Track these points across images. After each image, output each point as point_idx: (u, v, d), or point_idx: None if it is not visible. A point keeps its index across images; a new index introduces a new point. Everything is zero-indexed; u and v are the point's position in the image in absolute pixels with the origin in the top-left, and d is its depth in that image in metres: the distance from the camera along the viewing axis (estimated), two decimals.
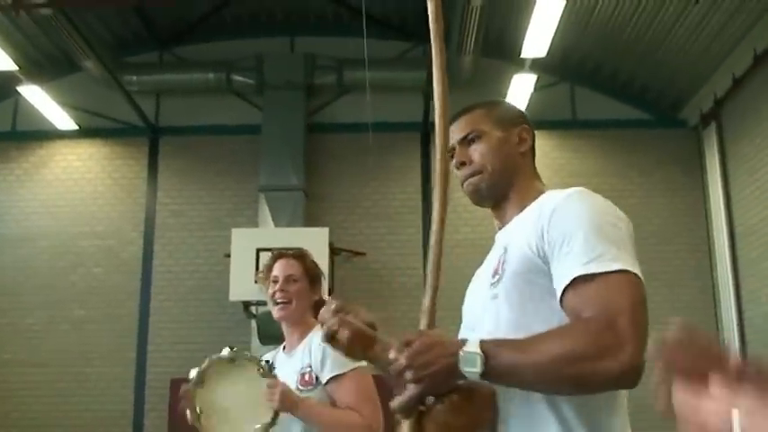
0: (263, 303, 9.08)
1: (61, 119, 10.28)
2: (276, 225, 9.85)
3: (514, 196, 1.90)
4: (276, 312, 3.02)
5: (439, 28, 1.84)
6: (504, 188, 1.91)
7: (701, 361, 0.90)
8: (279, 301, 3.01)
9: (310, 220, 10.09)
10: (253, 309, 9.52)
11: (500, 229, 1.93)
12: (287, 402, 2.70)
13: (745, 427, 0.84)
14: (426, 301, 1.73)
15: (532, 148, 2.00)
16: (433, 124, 1.91)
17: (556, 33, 8.12)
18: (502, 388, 1.66)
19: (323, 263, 3.28)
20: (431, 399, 1.63)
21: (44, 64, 10.60)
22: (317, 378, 2.87)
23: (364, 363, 2.90)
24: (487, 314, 1.79)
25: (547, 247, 1.67)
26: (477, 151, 1.92)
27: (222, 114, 10.77)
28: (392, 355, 1.60)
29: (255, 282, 8.96)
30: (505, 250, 1.80)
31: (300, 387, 2.88)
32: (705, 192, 10.33)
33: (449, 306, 2.32)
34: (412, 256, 10.25)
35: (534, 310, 1.68)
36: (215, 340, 10.04)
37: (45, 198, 10.69)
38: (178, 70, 10.81)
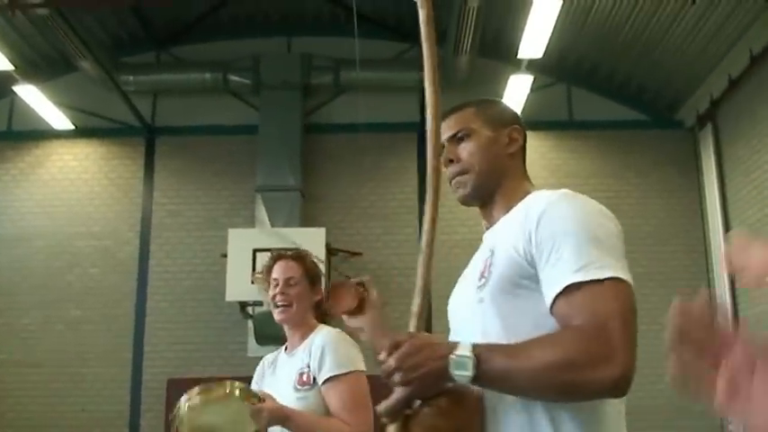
0: (260, 304, 9.10)
1: (57, 119, 10.27)
2: (273, 225, 9.84)
3: (501, 197, 1.89)
4: (277, 315, 3.02)
5: (430, 31, 1.83)
6: (491, 188, 1.90)
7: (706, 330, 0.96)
8: (279, 304, 3.00)
9: (307, 221, 10.09)
10: (249, 309, 9.51)
11: (487, 229, 1.91)
12: (277, 419, 2.71)
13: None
14: (416, 303, 1.73)
15: (523, 149, 1.98)
16: None
17: (552, 34, 8.13)
18: (496, 392, 1.65)
19: (319, 264, 3.26)
20: (417, 402, 1.61)
21: (40, 64, 10.59)
22: (314, 378, 2.87)
23: (362, 366, 2.91)
24: (474, 318, 1.77)
25: (535, 251, 1.65)
26: (465, 150, 1.91)
27: (219, 114, 10.76)
28: (381, 356, 1.59)
29: (252, 282, 8.98)
30: (492, 252, 1.77)
31: (298, 386, 2.88)
32: (701, 192, 10.35)
33: (447, 308, 2.31)
34: (409, 256, 10.24)
35: (521, 314, 1.66)
36: (212, 341, 10.07)
37: (41, 198, 10.67)
38: (175, 70, 10.81)
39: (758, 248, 0.95)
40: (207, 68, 10.58)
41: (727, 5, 8.51)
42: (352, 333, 2.34)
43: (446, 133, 1.95)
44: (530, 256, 1.65)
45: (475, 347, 1.54)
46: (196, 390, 2.65)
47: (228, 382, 2.68)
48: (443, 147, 1.94)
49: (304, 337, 3.01)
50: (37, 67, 10.49)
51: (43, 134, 10.65)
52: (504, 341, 1.62)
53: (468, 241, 9.87)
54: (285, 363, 3.03)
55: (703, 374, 1.00)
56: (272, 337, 8.93)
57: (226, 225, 10.01)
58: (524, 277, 1.66)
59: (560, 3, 7.54)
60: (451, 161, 1.92)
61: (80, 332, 10.24)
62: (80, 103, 10.61)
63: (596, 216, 1.69)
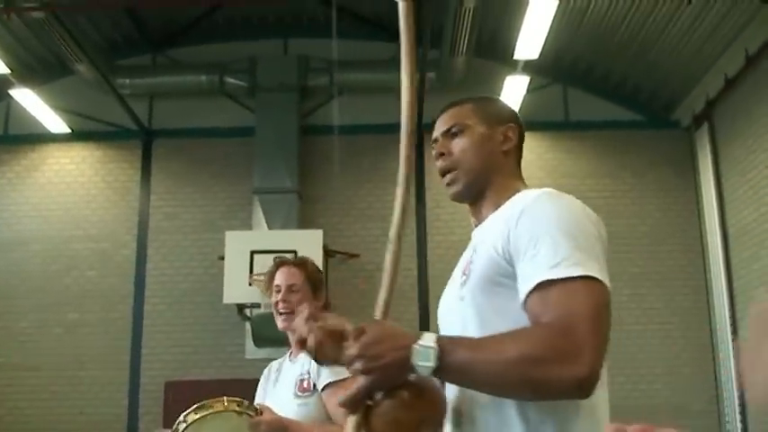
0: (257, 306, 9.10)
1: (53, 122, 10.26)
2: (270, 227, 9.84)
3: (491, 194, 1.87)
4: (280, 323, 3.04)
5: (410, 23, 1.83)
6: (482, 185, 1.88)
7: None
8: (281, 311, 3.02)
9: (304, 223, 10.09)
10: (247, 311, 9.50)
11: (476, 226, 1.90)
12: (275, 430, 2.71)
13: None
14: (382, 297, 1.70)
15: (519, 148, 1.96)
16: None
17: (548, 35, 8.14)
18: (469, 390, 1.63)
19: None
20: (379, 394, 1.58)
21: (36, 67, 10.58)
22: (314, 385, 2.88)
23: None
24: (455, 316, 1.76)
25: (513, 249, 1.63)
26: (458, 145, 1.90)
27: (215, 117, 10.76)
28: (345, 344, 1.56)
29: (250, 284, 8.98)
30: (474, 251, 1.77)
31: (299, 393, 2.89)
32: (698, 192, 10.36)
33: None
34: (406, 257, 10.25)
35: (500, 313, 1.64)
36: (209, 343, 10.06)
37: (38, 201, 10.66)
38: (171, 73, 10.80)
39: None
40: (203, 71, 10.58)
41: (723, 6, 8.52)
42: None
43: (441, 128, 1.95)
44: (508, 254, 1.64)
45: (439, 339, 1.51)
46: (194, 406, 2.65)
47: (225, 398, 2.68)
48: (436, 140, 1.94)
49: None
50: (33, 70, 10.48)
51: (39, 138, 10.64)
52: None
53: (466, 242, 9.89)
54: (288, 369, 3.04)
55: None
56: (269, 339, 8.94)
57: (223, 227, 10.00)
58: (503, 275, 1.65)
59: (556, 4, 7.56)
60: (442, 155, 1.91)
61: (78, 335, 10.23)
62: (76, 107, 10.61)
63: (576, 216, 1.66)
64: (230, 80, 10.59)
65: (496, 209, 1.81)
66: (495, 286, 1.66)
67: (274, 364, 3.19)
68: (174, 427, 2.63)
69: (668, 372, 9.98)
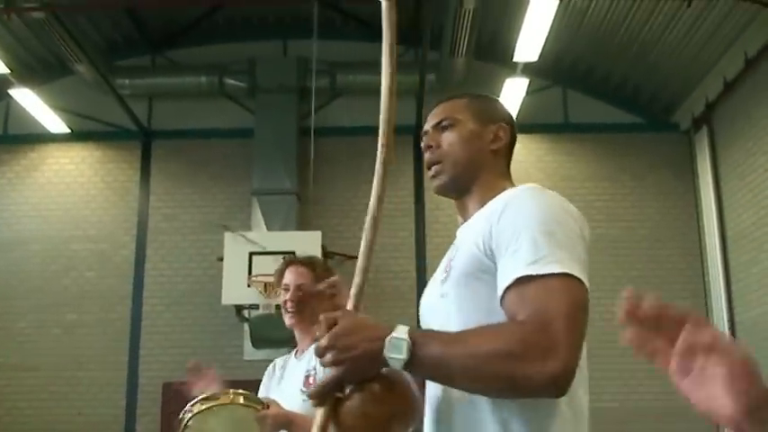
0: (256, 307, 9.10)
1: (53, 122, 10.26)
2: (269, 229, 9.84)
3: (477, 192, 1.85)
4: (287, 320, 3.07)
5: (392, 19, 1.82)
6: (467, 181, 1.87)
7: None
8: (289, 310, 3.04)
9: (303, 224, 10.09)
10: (245, 312, 9.49)
11: (462, 224, 1.89)
12: (281, 424, 2.72)
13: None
14: (356, 283, 1.68)
15: (509, 149, 1.95)
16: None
17: (548, 37, 8.14)
18: (444, 388, 1.62)
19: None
20: (349, 388, 1.55)
21: (36, 67, 10.58)
22: None
23: None
24: (437, 313, 1.74)
25: (494, 245, 1.62)
26: (447, 139, 1.89)
27: (215, 118, 10.76)
28: (317, 334, 1.54)
29: (248, 285, 8.97)
30: (457, 249, 1.76)
31: (304, 389, 2.91)
32: (697, 195, 10.36)
33: None
34: (405, 259, 10.26)
35: (482, 309, 1.62)
36: (207, 344, 10.06)
37: (37, 202, 10.66)
38: (170, 74, 10.80)
39: None
40: (203, 72, 10.58)
41: (723, 8, 8.53)
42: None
43: (431, 120, 1.94)
44: (489, 249, 1.63)
45: (412, 331, 1.49)
46: (200, 397, 2.66)
47: (232, 390, 2.68)
48: (426, 133, 1.93)
49: (314, 341, 3.03)
50: (32, 70, 10.48)
51: (39, 138, 10.64)
52: None
53: None
54: (294, 366, 3.06)
55: (659, 349, 1.03)
56: (268, 340, 8.94)
57: (222, 228, 10.00)
58: (484, 271, 1.63)
59: (556, 6, 7.56)
60: (430, 147, 1.90)
61: (76, 336, 10.22)
62: (76, 107, 10.61)
63: (558, 213, 1.64)
64: (230, 81, 10.60)
65: (482, 207, 1.79)
66: (476, 282, 1.64)
67: (279, 361, 3.20)
68: (181, 416, 2.64)
69: (666, 374, 9.95)
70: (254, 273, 9.02)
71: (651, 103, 10.73)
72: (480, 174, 1.87)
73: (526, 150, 10.54)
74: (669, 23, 9.11)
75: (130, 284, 10.42)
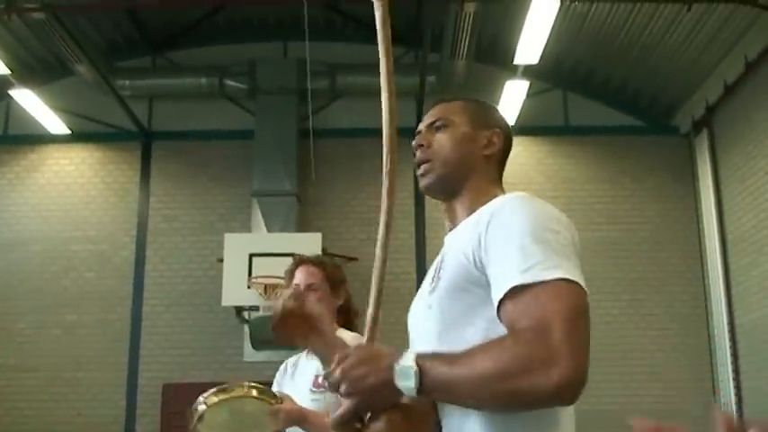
0: (256, 308, 9.10)
1: (53, 123, 10.26)
2: (269, 230, 9.85)
3: (466, 197, 1.83)
4: None
5: (387, 32, 1.80)
6: (455, 183, 1.84)
7: None
8: None
9: (303, 226, 10.09)
10: (245, 314, 9.50)
11: (450, 230, 1.86)
12: (294, 419, 2.73)
13: None
14: (369, 312, 1.67)
15: (502, 155, 1.91)
16: None
17: (549, 40, 8.14)
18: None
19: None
20: (369, 417, 1.56)
21: (36, 68, 10.59)
22: None
23: None
24: (425, 324, 1.73)
25: (484, 255, 1.58)
26: (439, 139, 1.87)
27: (215, 119, 10.77)
28: (331, 368, 1.55)
29: (248, 287, 8.97)
30: (443, 257, 1.74)
31: (313, 389, 2.93)
32: (697, 198, 10.36)
33: None
34: (405, 260, 10.26)
35: (469, 322, 1.61)
36: (207, 345, 10.06)
37: (37, 202, 10.66)
38: (171, 75, 10.80)
39: None
40: (203, 73, 10.58)
41: (723, 12, 8.54)
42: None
43: (426, 121, 1.93)
44: (479, 260, 1.60)
45: (418, 357, 1.48)
46: (213, 389, 2.66)
47: (246, 383, 2.69)
48: (419, 132, 1.92)
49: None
50: (33, 71, 10.49)
51: (39, 138, 10.64)
52: (451, 347, 1.56)
53: None
54: (305, 365, 3.09)
55: None
56: (267, 341, 8.93)
57: (222, 230, 10.01)
58: (472, 282, 1.61)
59: (557, 9, 7.56)
60: (421, 146, 1.89)
61: (76, 337, 10.22)
62: (76, 108, 10.61)
63: (549, 220, 1.61)
64: (230, 83, 10.60)
65: (471, 213, 1.76)
66: (463, 293, 1.62)
67: (291, 359, 3.22)
68: (194, 406, 2.64)
69: (666, 377, 9.98)
70: (254, 274, 9.02)
71: (651, 106, 10.73)
72: (470, 177, 1.84)
73: (527, 153, 10.54)
74: (669, 27, 9.11)
75: (130, 285, 10.41)
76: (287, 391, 2.97)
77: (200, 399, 2.65)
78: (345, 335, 2.99)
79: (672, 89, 10.27)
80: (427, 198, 10.41)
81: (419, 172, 1.89)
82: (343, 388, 1.52)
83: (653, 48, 9.58)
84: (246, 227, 10.17)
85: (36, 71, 10.54)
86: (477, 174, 1.85)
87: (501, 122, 1.95)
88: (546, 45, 8.24)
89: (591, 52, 10.13)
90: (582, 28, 9.61)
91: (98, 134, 10.78)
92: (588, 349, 1.44)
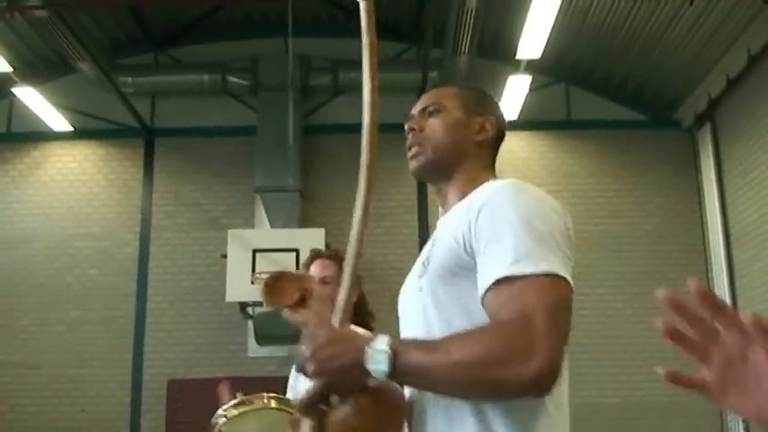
0: (260, 304, 9.08)
1: (56, 120, 10.27)
2: (272, 226, 9.85)
3: (457, 181, 1.84)
4: None
5: (371, 25, 1.78)
6: (446, 167, 1.85)
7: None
8: None
9: (306, 222, 10.10)
10: (249, 310, 9.51)
11: (442, 214, 1.87)
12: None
13: None
14: (341, 297, 1.67)
15: (494, 143, 1.93)
16: None
17: (551, 35, 8.13)
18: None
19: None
20: (336, 399, 1.54)
21: (39, 65, 10.60)
22: None
23: None
24: (415, 307, 1.73)
25: (474, 242, 1.59)
26: (431, 124, 1.88)
27: (217, 116, 10.77)
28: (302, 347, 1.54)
29: (252, 283, 8.97)
30: (434, 242, 1.74)
31: None
32: (700, 192, 10.36)
33: None
34: (408, 256, 10.20)
35: (458, 303, 1.61)
36: (211, 341, 10.08)
37: (40, 199, 10.68)
38: (173, 72, 10.81)
39: None
40: (205, 70, 10.58)
41: (726, 5, 8.52)
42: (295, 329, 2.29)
43: (418, 105, 1.93)
44: (469, 246, 1.61)
45: (392, 342, 1.48)
46: (234, 401, 2.69)
47: (265, 394, 2.71)
48: (412, 117, 1.93)
49: None
50: (35, 68, 10.50)
51: (42, 136, 10.65)
52: (440, 331, 1.58)
53: None
54: None
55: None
56: (272, 337, 8.95)
57: (225, 226, 10.02)
58: (462, 267, 1.62)
59: (559, 3, 7.55)
60: (413, 130, 1.90)
61: (79, 333, 10.24)
62: (79, 105, 10.62)
63: (541, 209, 1.61)
64: (232, 79, 10.60)
65: (462, 198, 1.77)
66: (453, 276, 1.63)
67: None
68: (214, 420, 2.66)
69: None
70: (257, 270, 9.03)
71: (654, 101, 10.73)
72: (462, 162, 1.85)
73: (529, 147, 10.55)
74: (671, 21, 9.10)
75: (134, 282, 10.43)
76: (300, 389, 2.99)
77: (220, 412, 2.67)
78: (360, 331, 3.00)
79: (674, 83, 10.26)
80: (430, 193, 10.43)
81: (409, 155, 1.90)
82: (311, 367, 1.51)
83: (655, 42, 9.57)
84: (250, 223, 10.19)
85: (39, 69, 10.55)
86: (468, 159, 1.86)
87: (494, 109, 1.96)
88: (548, 40, 8.23)
89: (593, 46, 10.12)
90: (584, 22, 9.60)
91: (101, 131, 10.79)
92: (564, 344, 1.46)
